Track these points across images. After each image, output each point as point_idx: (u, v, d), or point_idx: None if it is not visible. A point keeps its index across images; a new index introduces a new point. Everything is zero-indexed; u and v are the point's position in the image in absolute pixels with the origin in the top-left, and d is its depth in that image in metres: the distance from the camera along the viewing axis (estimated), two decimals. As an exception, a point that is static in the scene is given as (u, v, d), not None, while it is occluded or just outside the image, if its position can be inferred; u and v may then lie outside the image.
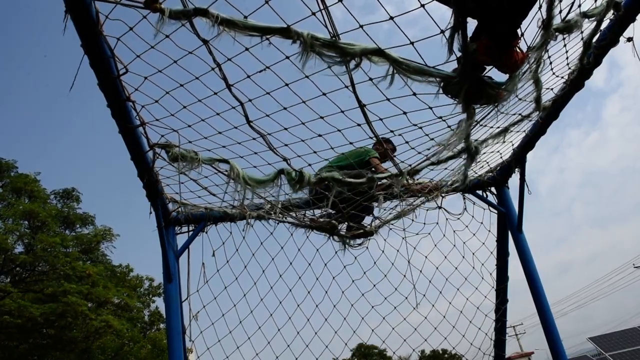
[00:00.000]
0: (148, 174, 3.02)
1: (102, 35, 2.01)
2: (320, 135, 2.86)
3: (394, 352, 4.41)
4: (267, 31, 1.98)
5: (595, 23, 2.41)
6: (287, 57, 2.15)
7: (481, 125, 2.91)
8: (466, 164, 3.19)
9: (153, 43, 2.09)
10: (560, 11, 2.24)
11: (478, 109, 2.48)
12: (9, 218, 14.11)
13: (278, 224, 4.06)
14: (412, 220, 4.16)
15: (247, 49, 2.14)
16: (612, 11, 2.42)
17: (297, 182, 3.20)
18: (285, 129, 2.79)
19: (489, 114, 2.76)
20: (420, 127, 2.76)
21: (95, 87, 2.26)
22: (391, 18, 1.97)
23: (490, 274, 4.36)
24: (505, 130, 3.20)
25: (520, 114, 3.05)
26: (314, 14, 1.97)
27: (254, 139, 2.90)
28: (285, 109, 2.63)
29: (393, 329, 4.20)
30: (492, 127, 3.08)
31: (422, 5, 1.95)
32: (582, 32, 2.43)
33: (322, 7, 1.95)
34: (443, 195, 4.04)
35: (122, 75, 2.23)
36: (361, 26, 2.01)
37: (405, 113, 2.50)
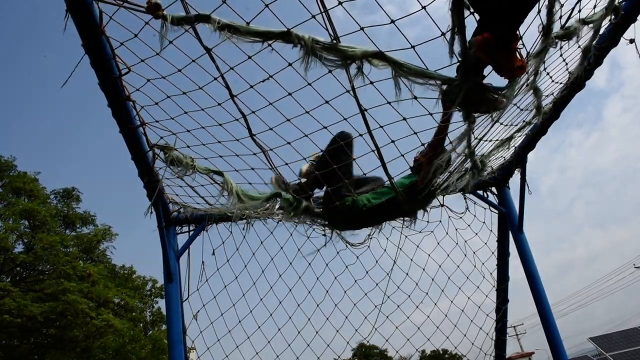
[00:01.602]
0: (148, 173, 3.02)
1: (103, 35, 2.00)
2: (322, 152, 2.85)
3: (396, 352, 4.41)
4: (269, 35, 1.97)
5: (593, 29, 2.41)
6: (290, 64, 2.13)
7: (485, 140, 2.91)
8: (472, 179, 3.20)
9: (155, 45, 2.08)
10: (561, 17, 2.23)
11: (478, 118, 2.46)
12: (9, 218, 14.11)
13: (278, 222, 4.06)
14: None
15: (249, 57, 2.12)
16: (611, 15, 2.42)
17: (294, 208, 3.21)
18: (288, 143, 2.77)
19: (491, 127, 2.76)
20: (423, 144, 2.76)
21: (96, 88, 2.27)
22: (392, 22, 1.95)
23: (491, 273, 4.36)
24: (509, 139, 3.20)
25: (524, 120, 3.05)
26: (314, 16, 1.96)
27: (254, 154, 2.91)
28: (288, 120, 2.61)
29: (397, 327, 4.20)
30: (496, 141, 3.08)
31: (423, 7, 1.94)
32: (578, 40, 2.43)
33: (322, 10, 1.93)
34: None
35: (124, 75, 2.23)
36: (362, 28, 2.00)
37: (405, 119, 2.48)
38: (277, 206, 3.58)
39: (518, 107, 2.70)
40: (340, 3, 1.91)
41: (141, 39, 2.04)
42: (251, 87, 2.31)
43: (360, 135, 2.65)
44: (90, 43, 2.01)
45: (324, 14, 1.95)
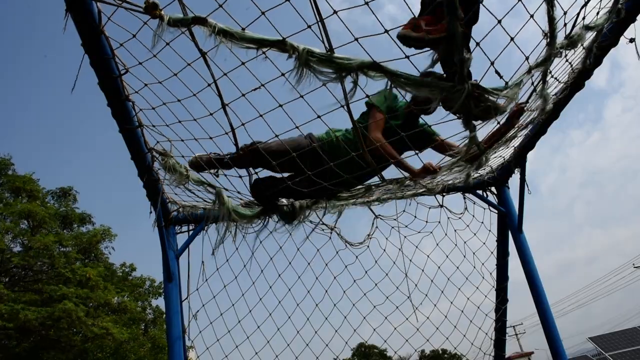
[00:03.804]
0: (148, 173, 3.02)
1: (103, 35, 2.00)
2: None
3: (395, 352, 4.42)
4: (263, 43, 1.92)
5: (596, 32, 2.41)
6: (283, 74, 2.08)
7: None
8: (471, 170, 3.18)
9: (153, 47, 2.06)
10: (565, 24, 2.21)
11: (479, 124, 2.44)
12: (7, 218, 14.04)
13: (277, 222, 4.07)
14: (415, 217, 4.18)
15: (243, 64, 2.09)
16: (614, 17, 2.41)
17: (289, 215, 3.20)
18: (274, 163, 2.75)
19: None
20: (416, 152, 2.76)
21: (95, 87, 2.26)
22: (386, 31, 1.91)
23: (491, 273, 4.36)
24: (513, 138, 3.19)
25: (531, 120, 3.05)
26: (309, 26, 1.91)
27: (240, 177, 2.97)
28: (277, 136, 2.63)
29: (395, 329, 4.20)
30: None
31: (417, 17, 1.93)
32: (583, 44, 2.42)
33: (318, 19, 1.89)
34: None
35: (123, 75, 2.22)
36: (356, 39, 1.92)
37: (402, 134, 2.46)
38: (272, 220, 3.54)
39: (528, 109, 2.70)
40: (335, 12, 1.86)
41: (140, 39, 2.03)
42: (242, 95, 2.27)
43: (354, 155, 2.64)
44: (89, 43, 2.00)
45: (319, 23, 1.89)
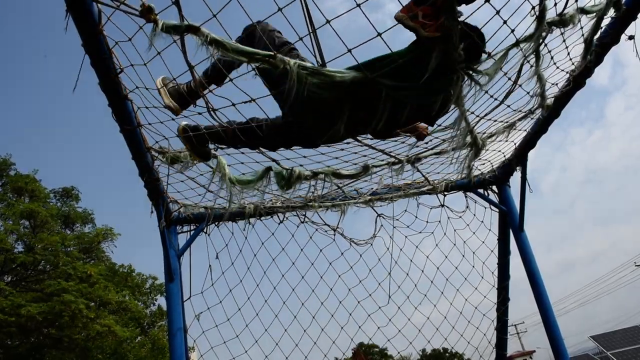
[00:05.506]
0: (148, 172, 3.02)
1: (102, 35, 2.00)
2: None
3: (398, 352, 4.43)
4: (254, 57, 1.89)
5: (595, 21, 2.39)
6: (274, 93, 2.10)
7: (487, 119, 2.87)
8: (470, 157, 3.14)
9: (148, 50, 2.05)
10: (556, 4, 2.19)
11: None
12: (9, 218, 14.05)
13: (280, 223, 4.08)
14: (416, 217, 4.18)
15: (231, 80, 2.08)
16: (612, 10, 2.39)
17: (287, 180, 3.18)
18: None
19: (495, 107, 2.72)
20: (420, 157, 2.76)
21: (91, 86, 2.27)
22: (379, 35, 1.87)
23: (492, 272, 4.36)
24: (511, 126, 3.16)
25: (530, 110, 3.01)
26: (301, 39, 1.88)
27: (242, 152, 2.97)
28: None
29: (399, 331, 4.22)
30: (498, 122, 3.05)
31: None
32: (582, 28, 2.40)
33: (310, 30, 1.86)
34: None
35: (119, 74, 2.22)
36: (349, 50, 1.88)
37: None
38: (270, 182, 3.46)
39: (527, 93, 2.68)
40: (328, 22, 1.82)
41: (136, 43, 2.02)
42: (232, 105, 2.26)
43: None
44: (89, 42, 2.00)
45: (311, 34, 1.86)
